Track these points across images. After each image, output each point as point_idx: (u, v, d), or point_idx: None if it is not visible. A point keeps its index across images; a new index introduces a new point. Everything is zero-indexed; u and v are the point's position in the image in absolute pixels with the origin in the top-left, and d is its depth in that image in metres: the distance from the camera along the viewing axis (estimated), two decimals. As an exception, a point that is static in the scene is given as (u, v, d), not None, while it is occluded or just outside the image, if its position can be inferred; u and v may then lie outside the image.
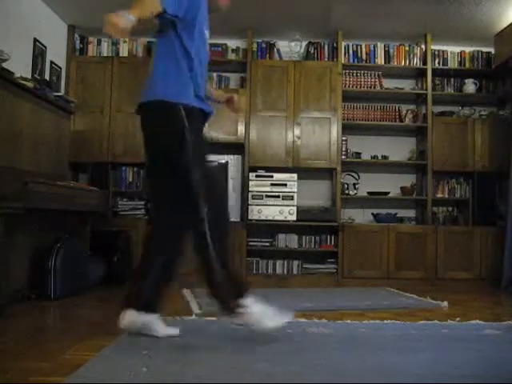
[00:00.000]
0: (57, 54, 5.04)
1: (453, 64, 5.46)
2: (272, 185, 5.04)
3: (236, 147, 5.26)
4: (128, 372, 1.76)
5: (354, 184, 5.42)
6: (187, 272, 5.13)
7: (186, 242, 2.37)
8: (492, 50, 5.28)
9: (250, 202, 5.04)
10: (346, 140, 5.36)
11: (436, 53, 5.44)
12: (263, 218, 5.00)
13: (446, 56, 5.46)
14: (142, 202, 5.24)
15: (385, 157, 5.42)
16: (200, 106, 2.32)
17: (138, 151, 5.19)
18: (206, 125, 2.43)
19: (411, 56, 5.44)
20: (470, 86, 5.40)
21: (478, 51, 5.45)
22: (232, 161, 5.09)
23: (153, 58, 2.40)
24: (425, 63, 5.40)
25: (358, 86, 5.39)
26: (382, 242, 5.07)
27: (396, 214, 5.36)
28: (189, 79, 2.29)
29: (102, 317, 3.12)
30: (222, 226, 2.31)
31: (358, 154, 5.43)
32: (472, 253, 5.09)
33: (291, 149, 5.15)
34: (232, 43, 5.45)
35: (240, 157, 5.14)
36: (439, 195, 5.40)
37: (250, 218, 5.00)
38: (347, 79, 5.37)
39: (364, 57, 5.45)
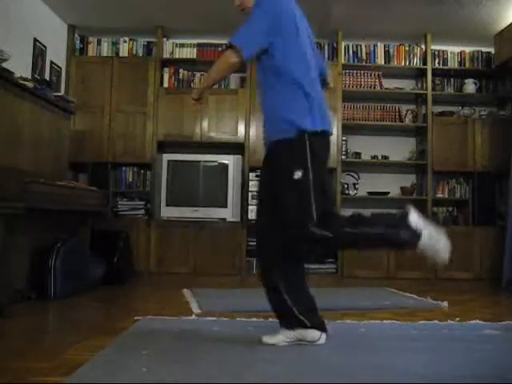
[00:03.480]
0: (57, 54, 5.04)
1: (453, 64, 5.46)
2: (272, 185, 5.03)
3: (236, 147, 5.27)
4: (128, 372, 1.76)
5: (354, 184, 5.41)
6: (187, 272, 5.15)
7: None
8: (492, 50, 5.27)
9: (249, 202, 5.04)
10: (345, 140, 5.36)
11: (436, 53, 5.44)
12: (263, 218, 4.99)
13: (446, 56, 5.46)
14: (142, 202, 5.25)
15: (385, 157, 5.42)
16: None
17: (137, 151, 5.21)
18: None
19: (411, 56, 5.44)
20: (470, 86, 5.40)
21: (478, 51, 5.45)
22: (232, 161, 5.09)
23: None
24: (425, 63, 5.41)
25: (358, 86, 5.39)
26: (382, 241, 5.06)
27: (396, 214, 5.35)
28: None
29: (102, 317, 3.12)
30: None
31: (358, 154, 5.43)
32: (472, 253, 5.09)
33: (291, 149, 5.14)
34: (232, 43, 5.44)
35: (240, 157, 5.14)
36: (439, 195, 5.40)
37: (249, 217, 5.00)
38: (347, 79, 5.38)
39: (364, 57, 5.45)
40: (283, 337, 2.23)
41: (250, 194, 5.05)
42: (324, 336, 2.24)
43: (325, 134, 2.21)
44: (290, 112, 2.15)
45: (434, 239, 2.11)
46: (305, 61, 2.23)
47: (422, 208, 5.37)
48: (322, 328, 2.24)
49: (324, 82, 2.45)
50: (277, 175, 2.19)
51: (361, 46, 5.46)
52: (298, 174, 2.11)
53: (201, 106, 2.37)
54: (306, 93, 2.16)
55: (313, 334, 2.22)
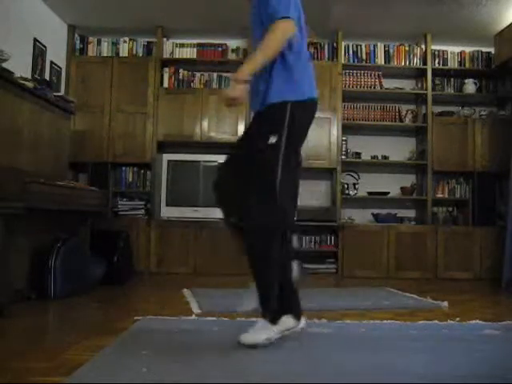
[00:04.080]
0: (57, 54, 5.04)
1: (453, 64, 5.46)
2: (272, 185, 5.03)
3: (236, 147, 5.26)
4: (128, 372, 1.76)
5: (354, 184, 5.42)
6: (187, 272, 5.15)
7: None
8: (492, 50, 5.28)
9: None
10: (345, 140, 5.36)
11: (436, 53, 5.44)
12: (263, 217, 4.99)
13: (446, 56, 5.46)
14: (142, 202, 5.25)
15: (385, 157, 5.42)
16: None
17: (137, 151, 5.21)
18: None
19: (411, 56, 5.44)
20: (469, 86, 5.40)
21: (478, 51, 5.45)
22: (232, 161, 5.08)
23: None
24: (425, 63, 5.41)
25: (358, 86, 5.39)
26: (382, 242, 5.07)
27: (396, 214, 5.36)
28: None
29: (102, 317, 3.12)
30: None
31: (358, 154, 5.43)
32: (472, 253, 5.09)
33: (291, 149, 5.14)
34: (232, 43, 5.45)
35: (240, 157, 5.13)
36: (439, 195, 5.40)
37: (249, 217, 5.00)
38: (347, 79, 5.38)
39: (364, 57, 5.45)
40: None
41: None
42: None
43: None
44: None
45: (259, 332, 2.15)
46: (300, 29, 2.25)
47: (421, 208, 5.38)
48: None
49: None
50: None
51: (361, 45, 5.46)
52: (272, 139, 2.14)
53: (240, 101, 2.10)
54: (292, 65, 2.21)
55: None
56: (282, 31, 2.09)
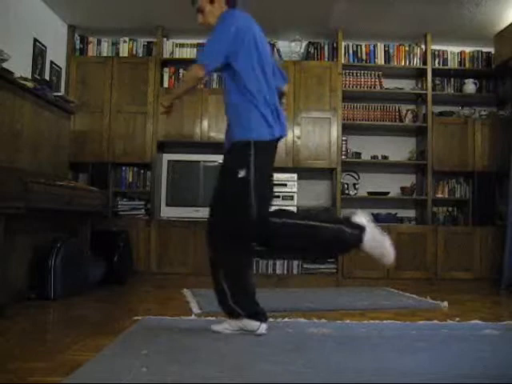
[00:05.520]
0: (57, 53, 5.04)
1: (453, 64, 5.46)
2: (272, 185, 5.04)
3: (236, 147, 5.26)
4: (128, 372, 1.76)
5: (354, 184, 5.41)
6: (187, 272, 5.14)
7: None
8: (492, 50, 5.28)
9: (249, 202, 5.04)
10: (345, 140, 5.36)
11: (436, 53, 5.44)
12: (263, 217, 4.99)
13: (446, 56, 5.46)
14: (142, 202, 5.25)
15: (385, 157, 5.42)
16: None
17: (137, 151, 5.21)
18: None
19: (411, 56, 5.44)
20: (469, 86, 5.40)
21: (478, 51, 5.45)
22: (232, 161, 5.08)
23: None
24: (425, 63, 5.40)
25: (358, 86, 5.39)
26: (382, 242, 5.06)
27: (396, 213, 5.36)
28: None
29: (102, 317, 3.12)
30: None
31: (358, 154, 5.43)
32: (472, 253, 5.09)
33: (291, 149, 5.15)
34: (232, 43, 5.43)
35: (240, 157, 5.13)
36: (439, 195, 5.40)
37: (250, 217, 4.99)
38: (347, 79, 5.37)
39: (364, 57, 5.45)
40: (227, 325, 2.41)
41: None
42: (264, 326, 2.36)
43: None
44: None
45: (378, 241, 2.43)
46: (262, 74, 2.48)
47: (421, 208, 5.38)
48: (259, 318, 2.37)
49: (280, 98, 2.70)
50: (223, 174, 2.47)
51: (361, 46, 5.45)
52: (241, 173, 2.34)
53: (170, 114, 2.58)
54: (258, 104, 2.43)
55: (251, 323, 2.35)
56: (192, 72, 2.47)
